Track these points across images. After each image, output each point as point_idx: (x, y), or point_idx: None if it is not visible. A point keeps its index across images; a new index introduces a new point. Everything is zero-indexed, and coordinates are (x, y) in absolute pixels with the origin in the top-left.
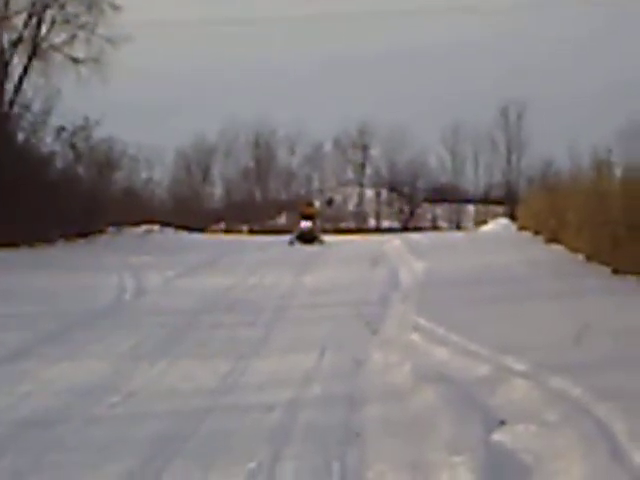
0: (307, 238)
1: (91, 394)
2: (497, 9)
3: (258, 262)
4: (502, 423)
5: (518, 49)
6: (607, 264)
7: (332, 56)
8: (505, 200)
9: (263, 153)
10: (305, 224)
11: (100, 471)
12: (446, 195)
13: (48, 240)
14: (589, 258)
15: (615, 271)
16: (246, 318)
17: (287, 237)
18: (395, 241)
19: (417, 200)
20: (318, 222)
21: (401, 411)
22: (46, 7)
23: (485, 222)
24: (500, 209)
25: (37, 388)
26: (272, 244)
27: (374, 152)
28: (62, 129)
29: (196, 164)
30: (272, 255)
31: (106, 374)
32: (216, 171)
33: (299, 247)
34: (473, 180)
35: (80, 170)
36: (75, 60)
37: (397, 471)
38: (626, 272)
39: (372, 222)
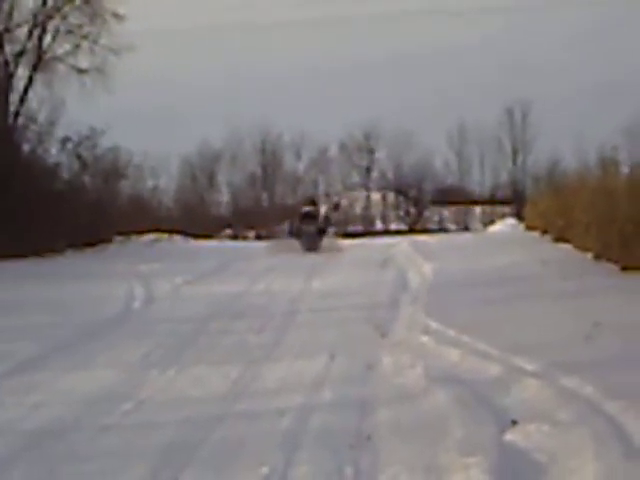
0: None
1: (102, 403)
2: (499, 9)
3: (266, 268)
4: (514, 423)
5: (521, 48)
6: (616, 262)
7: (335, 60)
8: (512, 200)
9: (269, 159)
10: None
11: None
12: (453, 197)
13: (56, 250)
14: (597, 256)
15: (624, 268)
16: (255, 324)
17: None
18: (403, 244)
19: (424, 202)
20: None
21: (413, 413)
22: (49, 18)
23: (492, 223)
24: (507, 209)
25: (48, 398)
26: None
27: (380, 155)
28: (67, 139)
29: (201, 171)
30: (280, 260)
31: (117, 383)
32: (222, 178)
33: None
34: (479, 181)
35: (86, 180)
36: (79, 70)
37: (410, 474)
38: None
39: (379, 225)
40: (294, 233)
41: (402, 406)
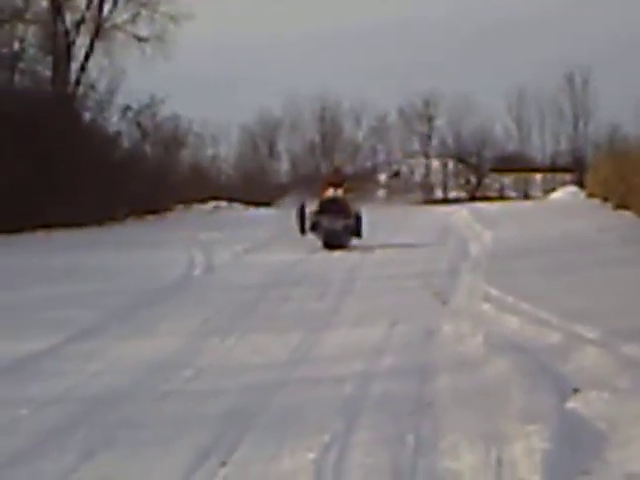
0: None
1: (162, 370)
2: None
3: None
4: (575, 391)
5: (581, 13)
6: None
7: (394, 24)
8: (573, 167)
9: (328, 126)
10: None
11: (172, 446)
12: (513, 164)
13: (116, 218)
14: None
15: None
16: (314, 291)
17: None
18: (463, 211)
19: (484, 170)
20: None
21: (473, 381)
22: None
23: (553, 190)
24: (568, 177)
25: (107, 366)
26: None
27: (439, 122)
28: (128, 108)
29: (261, 139)
30: None
31: (176, 350)
32: (282, 146)
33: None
34: (540, 148)
35: (146, 148)
36: (139, 39)
37: (471, 441)
38: None
39: (439, 193)
40: (307, 228)
41: (462, 373)
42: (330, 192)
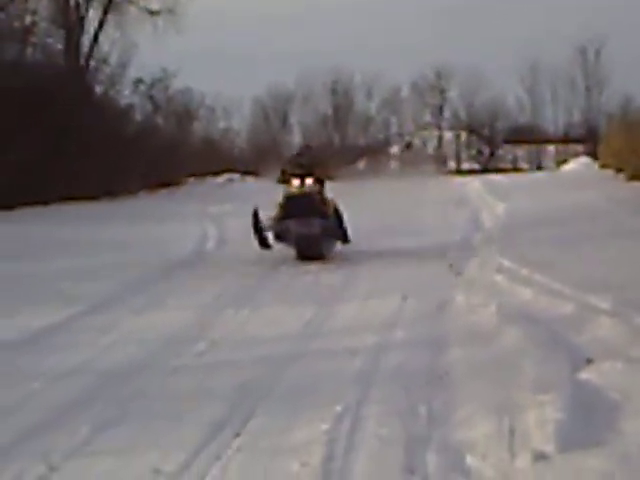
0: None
1: (175, 344)
2: None
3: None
4: (588, 361)
5: None
6: None
7: None
8: (585, 139)
9: (341, 99)
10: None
11: (185, 419)
12: (526, 136)
13: (129, 192)
14: None
15: None
16: (328, 264)
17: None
18: (476, 183)
19: (496, 141)
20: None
21: (486, 352)
22: None
23: (566, 162)
24: (580, 148)
25: (121, 339)
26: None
27: (452, 94)
28: (140, 81)
29: (274, 112)
30: (349, 200)
31: (189, 323)
32: (294, 119)
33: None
34: (552, 119)
35: (159, 121)
36: (150, 12)
37: (484, 412)
38: None
39: (452, 165)
40: (271, 237)
41: (475, 344)
42: (296, 184)
